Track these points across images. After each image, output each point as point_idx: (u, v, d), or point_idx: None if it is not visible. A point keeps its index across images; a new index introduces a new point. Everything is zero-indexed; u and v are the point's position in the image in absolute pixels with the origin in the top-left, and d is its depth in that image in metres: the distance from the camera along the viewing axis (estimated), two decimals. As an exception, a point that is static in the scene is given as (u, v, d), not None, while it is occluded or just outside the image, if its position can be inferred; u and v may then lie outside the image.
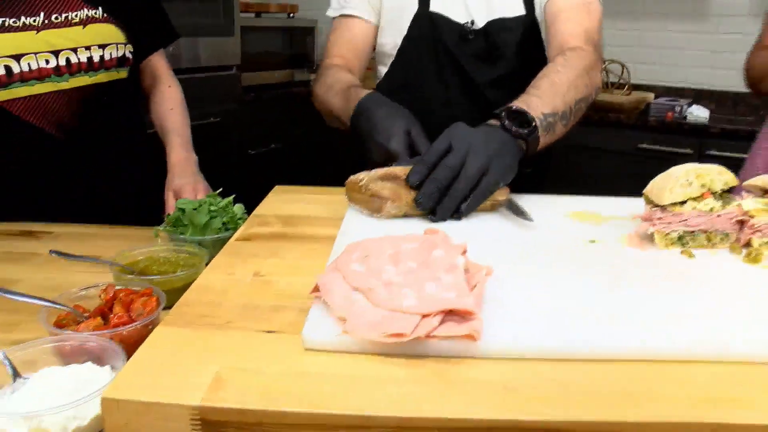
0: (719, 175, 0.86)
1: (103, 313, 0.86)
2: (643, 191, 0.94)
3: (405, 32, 1.39)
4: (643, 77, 3.31)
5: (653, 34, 3.28)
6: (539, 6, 1.36)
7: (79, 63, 1.30)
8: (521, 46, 1.37)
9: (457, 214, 0.94)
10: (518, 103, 1.05)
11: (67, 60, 1.28)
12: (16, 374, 0.73)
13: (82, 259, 1.01)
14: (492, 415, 0.50)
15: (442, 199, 0.93)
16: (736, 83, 3.11)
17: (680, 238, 0.86)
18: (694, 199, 0.85)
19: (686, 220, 0.85)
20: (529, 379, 0.56)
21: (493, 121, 1.03)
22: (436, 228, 0.77)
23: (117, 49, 1.35)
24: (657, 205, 0.88)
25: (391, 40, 1.43)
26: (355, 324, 0.59)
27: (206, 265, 0.86)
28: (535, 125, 1.03)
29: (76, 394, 0.67)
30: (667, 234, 0.85)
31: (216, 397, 0.51)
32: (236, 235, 0.91)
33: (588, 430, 0.50)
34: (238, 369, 0.56)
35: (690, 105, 2.99)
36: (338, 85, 1.28)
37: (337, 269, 0.69)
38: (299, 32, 4.01)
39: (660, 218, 0.85)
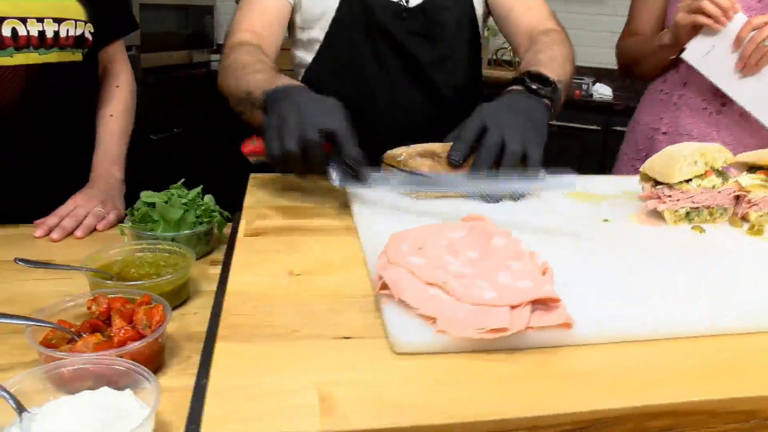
0: (719, 153, 0.89)
1: (97, 328, 0.76)
2: (641, 169, 0.96)
3: (333, 14, 1.28)
4: (547, 57, 3.44)
5: (558, 16, 3.42)
6: None
7: (28, 36, 1.12)
8: (459, 26, 1.33)
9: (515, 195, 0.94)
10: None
11: (13, 31, 1.10)
12: (21, 409, 0.62)
13: (57, 267, 0.89)
14: (621, 404, 0.50)
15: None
16: (633, 63, 3.33)
17: (687, 214, 0.88)
18: (699, 176, 0.88)
19: (692, 197, 0.88)
20: (628, 363, 0.56)
21: (514, 87, 1.02)
22: (478, 214, 0.74)
23: (75, 27, 1.18)
24: (660, 183, 0.91)
25: (319, 21, 1.30)
26: (447, 322, 0.56)
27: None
28: (556, 84, 1.03)
29: (110, 426, 0.58)
30: (676, 211, 0.88)
31: (336, 420, 0.46)
32: (242, 230, 0.83)
33: (716, 408, 0.50)
34: (337, 384, 0.51)
35: (594, 83, 3.14)
36: (259, 65, 1.12)
37: (394, 263, 0.64)
38: (198, 11, 3.79)
39: (669, 196, 0.88)
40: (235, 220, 0.99)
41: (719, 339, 0.60)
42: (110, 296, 0.80)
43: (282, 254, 0.76)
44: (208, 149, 3.49)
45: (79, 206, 1.17)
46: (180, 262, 0.93)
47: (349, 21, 1.27)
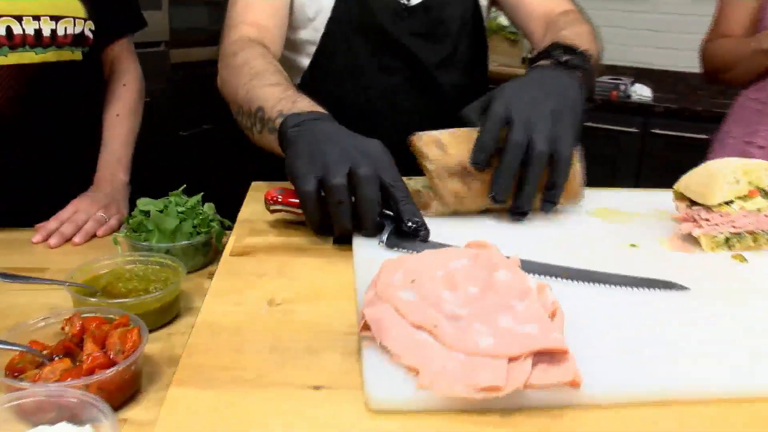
0: (765, 171, 0.79)
1: (70, 351, 0.70)
2: (674, 187, 0.87)
3: (329, 13, 1.18)
4: (584, 56, 3.31)
5: (595, 13, 3.27)
6: None
7: (24, 35, 1.07)
8: (463, 21, 1.23)
9: (549, 203, 0.83)
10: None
11: (8, 30, 1.05)
12: (-26, 446, 0.57)
13: (35, 281, 0.83)
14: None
15: (521, 187, 0.81)
16: (676, 62, 3.18)
17: (727, 240, 0.79)
18: (741, 197, 0.78)
19: (733, 221, 0.78)
20: (647, 430, 0.47)
21: (543, 62, 0.91)
22: (483, 240, 0.66)
23: (74, 25, 1.13)
24: (695, 203, 0.81)
25: (313, 22, 1.20)
26: (432, 375, 0.48)
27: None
28: (586, 53, 0.91)
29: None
30: (714, 236, 0.78)
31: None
32: (230, 248, 0.77)
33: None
34: (298, 447, 0.43)
35: (633, 84, 3.01)
36: (274, 76, 0.97)
37: (382, 298, 0.56)
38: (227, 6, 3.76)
39: (706, 219, 0.78)
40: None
41: (759, 404, 0.51)
42: (88, 315, 0.74)
43: (267, 278, 0.69)
44: (237, 146, 3.47)
45: (80, 210, 1.13)
46: (171, 277, 0.87)
47: (346, 21, 1.18)
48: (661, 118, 2.82)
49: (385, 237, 0.76)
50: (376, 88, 1.20)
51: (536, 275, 0.69)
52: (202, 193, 1.06)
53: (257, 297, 0.64)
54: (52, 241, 1.05)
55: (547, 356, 0.51)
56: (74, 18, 1.14)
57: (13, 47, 1.08)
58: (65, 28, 1.13)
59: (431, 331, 0.52)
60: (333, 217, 0.74)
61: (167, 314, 0.83)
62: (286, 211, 0.83)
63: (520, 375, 0.48)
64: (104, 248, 1.02)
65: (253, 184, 1.03)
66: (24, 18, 1.08)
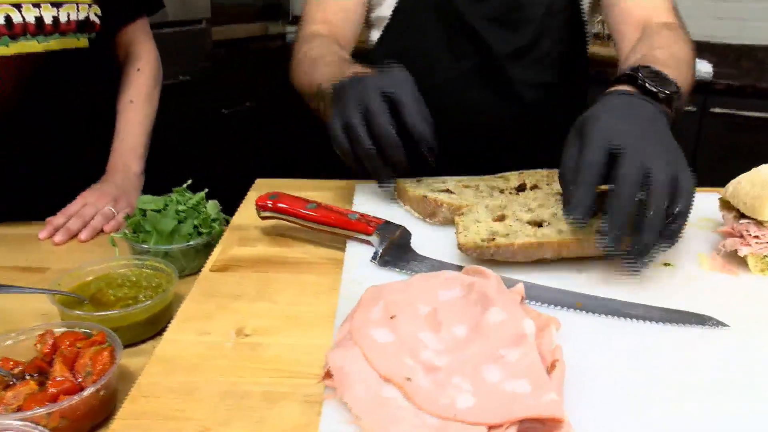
0: (830, 181, 0.67)
1: (42, 370, 0.66)
2: (720, 196, 0.75)
3: None
4: (640, 28, 3.11)
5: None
6: None
7: (25, 23, 1.03)
8: (551, 12, 1.10)
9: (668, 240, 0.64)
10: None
11: (7, 18, 1.01)
12: None
13: (16, 290, 0.79)
14: None
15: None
16: (740, 34, 2.94)
17: (779, 260, 0.67)
18: (799, 211, 0.67)
19: (789, 239, 0.67)
20: None
21: (619, 87, 0.75)
22: (482, 268, 0.57)
23: (78, 10, 1.08)
24: (744, 216, 0.70)
25: (386, 1, 1.14)
26: (394, 445, 0.40)
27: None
28: (678, 88, 0.76)
29: None
30: (764, 256, 0.67)
31: None
32: (211, 262, 0.70)
33: None
34: None
35: (692, 59, 2.80)
36: (330, 56, 1.00)
37: (353, 339, 0.49)
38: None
39: (756, 237, 0.67)
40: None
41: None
42: (60, 331, 0.70)
43: (242, 302, 0.62)
44: (281, 124, 3.45)
45: (88, 204, 1.09)
46: (163, 284, 0.82)
47: None
48: (722, 96, 2.61)
49: (378, 253, 0.68)
50: (442, 73, 1.12)
51: (544, 304, 0.60)
52: (206, 190, 1.00)
53: (226, 325, 0.58)
54: (57, 238, 1.02)
55: (538, 424, 0.42)
56: (77, 3, 1.09)
57: (13, 37, 1.04)
58: (68, 15, 1.09)
59: (402, 386, 0.44)
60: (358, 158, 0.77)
61: (156, 324, 0.77)
62: (278, 218, 0.76)
63: (500, 450, 0.40)
64: (109, 246, 0.98)
65: (257, 181, 0.97)
66: (23, 5, 1.03)
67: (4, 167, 1.12)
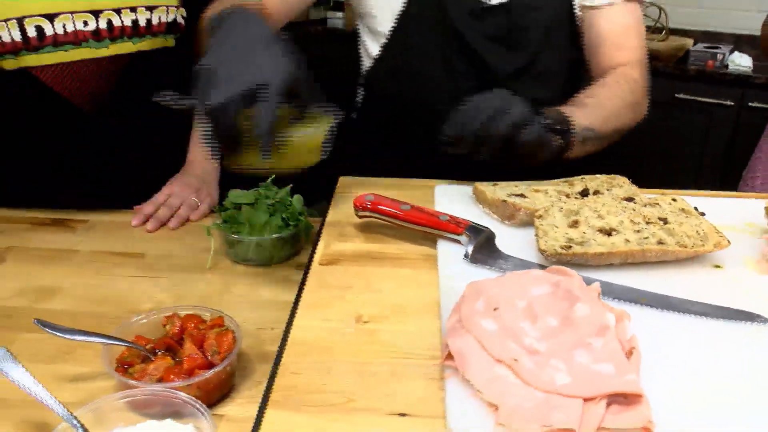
0: None
1: (170, 347, 0.77)
2: (766, 204, 0.84)
3: (401, 7, 1.11)
4: (680, 21, 3.13)
5: (692, -26, 3.09)
6: None
7: (123, 26, 1.14)
8: (550, 30, 1.13)
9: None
10: (563, 108, 0.96)
11: (109, 23, 1.12)
12: (90, 437, 0.64)
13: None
14: None
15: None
16: (781, 28, 2.96)
17: (820, 265, 0.76)
18: (840, 222, 0.75)
19: (829, 245, 0.75)
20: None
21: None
22: (565, 268, 0.67)
23: (167, 13, 1.19)
24: (790, 224, 0.79)
25: (384, 14, 1.14)
26: (510, 413, 0.51)
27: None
28: (571, 128, 0.94)
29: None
30: (808, 261, 0.76)
31: None
32: (319, 256, 0.81)
33: None
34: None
35: (731, 52, 2.83)
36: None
37: (465, 327, 0.59)
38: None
39: (801, 244, 0.76)
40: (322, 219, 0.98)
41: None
42: (185, 313, 0.81)
43: (353, 292, 0.73)
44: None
45: (174, 195, 1.19)
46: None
47: (418, 16, 1.11)
48: (761, 90, 2.65)
49: (469, 252, 0.78)
50: (441, 93, 1.12)
51: (615, 300, 0.70)
52: (290, 185, 1.10)
53: (345, 313, 0.69)
54: (150, 225, 1.12)
55: (622, 398, 0.52)
56: (167, 6, 1.19)
57: (113, 39, 1.14)
58: (159, 17, 1.18)
59: (511, 365, 0.55)
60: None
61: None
62: (375, 218, 0.86)
63: (593, 417, 0.50)
64: (198, 233, 1.09)
65: (341, 179, 1.07)
66: (122, 10, 1.14)
67: (96, 157, 1.23)
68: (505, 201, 0.87)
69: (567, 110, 0.97)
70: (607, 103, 1.04)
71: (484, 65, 1.11)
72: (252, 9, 0.84)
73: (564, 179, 0.96)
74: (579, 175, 0.98)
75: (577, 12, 1.16)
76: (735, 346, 0.64)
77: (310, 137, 0.79)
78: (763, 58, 2.88)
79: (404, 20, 1.12)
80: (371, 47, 1.20)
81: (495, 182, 0.94)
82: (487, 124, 0.83)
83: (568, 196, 0.90)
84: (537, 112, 0.89)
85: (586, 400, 0.52)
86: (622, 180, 0.95)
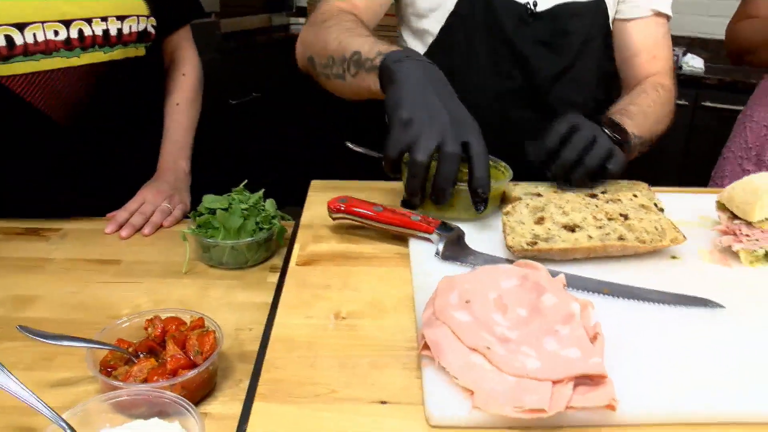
0: (809, 188, 0.81)
1: (153, 349, 0.79)
2: (717, 199, 0.90)
3: (452, 7, 1.17)
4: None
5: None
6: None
7: (94, 36, 1.14)
8: (589, 38, 1.21)
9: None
10: (615, 116, 1.07)
11: (80, 32, 1.13)
12: (77, 438, 0.66)
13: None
14: None
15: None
16: (731, 31, 3.08)
17: (766, 254, 0.82)
18: (783, 213, 0.81)
19: (774, 235, 0.81)
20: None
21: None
22: (532, 262, 0.71)
23: (138, 23, 1.20)
24: (737, 217, 0.84)
25: (434, 13, 1.20)
26: (484, 397, 0.54)
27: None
28: (630, 139, 1.04)
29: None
30: (754, 251, 0.82)
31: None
32: (295, 257, 0.84)
33: None
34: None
35: (684, 54, 2.94)
36: (364, 30, 1.01)
37: (440, 319, 0.63)
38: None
39: (747, 235, 0.81)
40: (296, 222, 1.00)
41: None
42: (167, 316, 0.82)
43: (332, 290, 0.76)
44: (286, 114, 3.54)
45: (147, 202, 1.21)
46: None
47: (468, 18, 1.17)
48: (713, 91, 2.76)
49: (440, 249, 0.82)
50: (487, 92, 1.18)
51: (579, 290, 0.74)
52: (263, 190, 1.13)
53: (325, 310, 0.72)
54: (124, 233, 1.14)
55: (588, 379, 0.56)
56: (138, 16, 1.20)
57: (84, 48, 1.15)
58: (130, 27, 1.20)
59: (484, 353, 0.58)
60: (406, 185, 0.82)
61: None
62: (348, 219, 0.89)
63: (562, 398, 0.54)
64: (172, 239, 1.10)
65: (313, 183, 1.10)
66: (93, 20, 1.14)
67: (69, 167, 1.23)
68: (520, 199, 0.91)
69: (618, 119, 1.06)
70: (649, 110, 1.13)
71: (529, 68, 1.18)
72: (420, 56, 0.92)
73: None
74: None
75: (611, 26, 1.26)
76: (690, 329, 0.69)
77: (495, 189, 0.92)
78: (715, 58, 3.00)
79: (454, 20, 1.18)
80: (415, 47, 1.26)
81: (516, 182, 1.01)
82: (582, 155, 0.95)
83: (594, 197, 0.93)
84: (610, 136, 1.02)
85: (555, 382, 0.55)
86: (643, 186, 1.03)
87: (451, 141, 0.79)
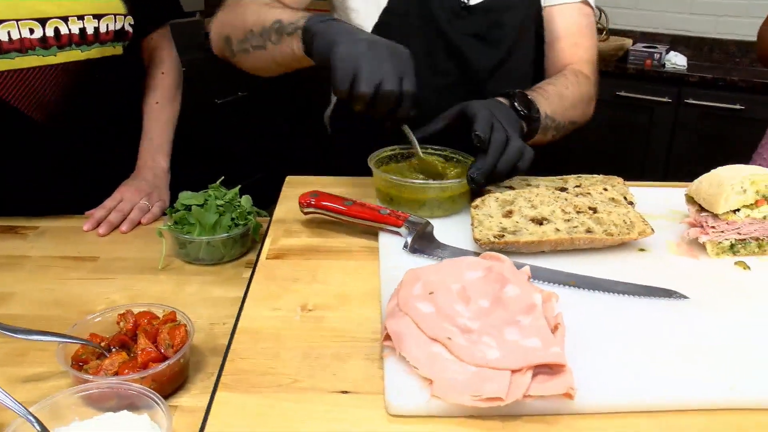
0: (773, 180, 0.83)
1: (125, 343, 0.79)
2: (686, 192, 0.91)
3: (385, 3, 1.16)
4: (619, 22, 3.26)
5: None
6: None
7: (70, 34, 1.14)
8: (522, 29, 1.21)
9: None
10: (528, 93, 1.04)
11: (56, 30, 1.12)
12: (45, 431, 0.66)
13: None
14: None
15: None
16: (715, 29, 3.11)
17: (732, 246, 0.83)
18: (748, 206, 0.82)
19: (738, 228, 0.82)
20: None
21: (500, 99, 1.02)
22: (497, 254, 0.72)
23: (115, 21, 1.19)
24: (705, 210, 0.85)
25: (369, 9, 1.18)
26: (443, 386, 0.55)
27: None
28: (539, 116, 1.02)
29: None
30: (719, 243, 0.83)
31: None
32: (266, 251, 0.84)
33: None
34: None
35: (667, 52, 2.96)
36: (278, 5, 1.02)
37: (402, 310, 0.63)
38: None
39: (713, 227, 0.82)
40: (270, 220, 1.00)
41: (743, 415, 0.57)
42: (139, 311, 0.83)
43: (300, 283, 0.76)
44: (272, 113, 3.53)
45: (125, 199, 1.20)
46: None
47: (402, 13, 1.16)
48: (696, 88, 2.78)
49: (408, 242, 0.82)
50: (424, 87, 1.11)
51: (545, 282, 0.75)
52: (239, 186, 1.13)
53: (292, 303, 0.72)
54: (101, 230, 1.13)
55: (547, 368, 0.57)
56: (115, 15, 1.20)
57: (61, 47, 1.15)
58: (107, 25, 1.19)
59: (445, 344, 0.59)
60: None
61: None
62: (319, 213, 0.90)
63: (520, 387, 0.55)
64: (149, 236, 1.10)
65: (288, 179, 1.10)
66: (70, 18, 1.14)
67: (46, 164, 1.23)
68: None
69: (531, 95, 1.04)
70: (566, 92, 1.12)
71: (465, 62, 1.17)
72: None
73: (560, 176, 1.03)
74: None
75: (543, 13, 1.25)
76: (654, 319, 0.69)
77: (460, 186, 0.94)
78: (698, 56, 3.01)
79: (387, 17, 1.16)
80: None
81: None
82: (513, 165, 0.93)
83: (564, 190, 0.93)
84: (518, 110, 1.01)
85: (514, 371, 0.56)
86: (617, 180, 1.02)
87: (391, 79, 0.84)
